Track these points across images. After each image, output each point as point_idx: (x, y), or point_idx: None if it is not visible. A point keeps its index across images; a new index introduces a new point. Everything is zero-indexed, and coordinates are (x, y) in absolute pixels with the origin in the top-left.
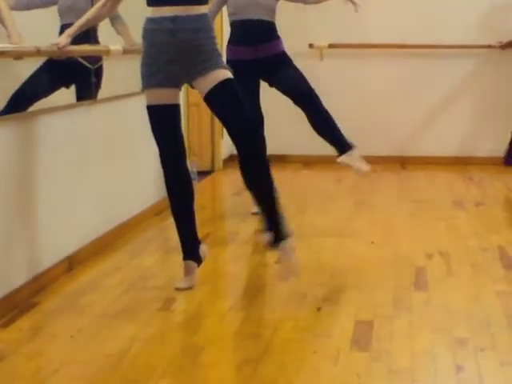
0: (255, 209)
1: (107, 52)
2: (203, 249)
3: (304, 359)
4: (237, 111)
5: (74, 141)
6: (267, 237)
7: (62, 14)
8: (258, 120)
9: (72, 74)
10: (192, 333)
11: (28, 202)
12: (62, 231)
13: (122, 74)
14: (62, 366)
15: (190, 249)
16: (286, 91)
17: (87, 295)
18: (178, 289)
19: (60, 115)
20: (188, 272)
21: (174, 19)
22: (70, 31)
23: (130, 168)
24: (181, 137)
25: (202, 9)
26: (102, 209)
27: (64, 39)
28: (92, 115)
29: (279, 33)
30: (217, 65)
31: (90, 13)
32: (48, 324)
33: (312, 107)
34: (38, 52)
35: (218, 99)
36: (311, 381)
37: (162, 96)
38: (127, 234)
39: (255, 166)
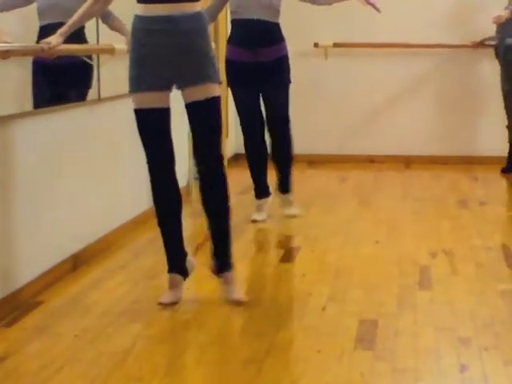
0: (254, 216)
1: (112, 51)
2: (191, 261)
3: (308, 358)
4: (208, 136)
5: (77, 140)
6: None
7: (41, 13)
8: (259, 122)
9: (66, 74)
10: (196, 331)
11: (32, 200)
12: (67, 230)
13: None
14: (67, 364)
15: (177, 261)
16: (266, 104)
17: (91, 294)
18: (160, 304)
19: (63, 115)
20: (173, 286)
21: (168, 19)
22: (62, 30)
23: (134, 167)
24: (170, 142)
25: (197, 6)
26: (106, 208)
27: (56, 39)
28: (96, 115)
29: (284, 33)
30: (210, 77)
31: (82, 11)
32: (52, 323)
33: (278, 134)
34: (42, 51)
35: (198, 114)
36: (315, 380)
37: (152, 100)
38: (131, 232)
39: (213, 194)
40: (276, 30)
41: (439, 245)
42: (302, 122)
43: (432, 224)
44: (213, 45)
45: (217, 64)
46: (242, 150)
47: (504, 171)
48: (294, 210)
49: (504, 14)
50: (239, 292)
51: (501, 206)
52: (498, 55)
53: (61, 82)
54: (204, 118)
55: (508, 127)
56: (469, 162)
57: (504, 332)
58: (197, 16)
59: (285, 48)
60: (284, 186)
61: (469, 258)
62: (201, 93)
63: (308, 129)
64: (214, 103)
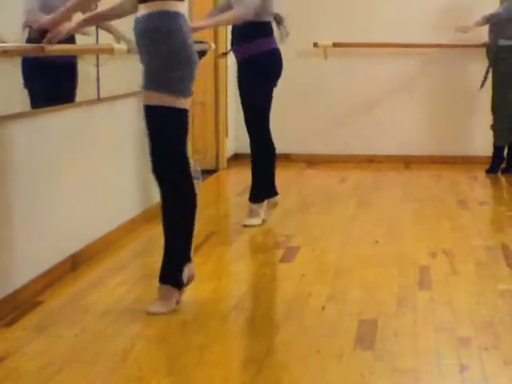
0: (245, 221)
1: (111, 51)
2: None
3: (308, 358)
4: (150, 141)
5: (76, 140)
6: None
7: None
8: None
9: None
10: (196, 331)
11: (31, 201)
12: (66, 230)
13: (123, 74)
14: (66, 364)
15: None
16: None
17: (91, 294)
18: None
19: (62, 115)
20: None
21: (136, 20)
22: (81, 22)
23: (133, 166)
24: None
25: (155, 6)
26: (106, 207)
27: (69, 25)
28: (95, 115)
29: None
30: (146, 84)
31: (113, 8)
32: (52, 323)
33: (253, 130)
34: (42, 50)
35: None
36: (315, 380)
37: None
38: (131, 232)
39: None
40: (253, 28)
41: (439, 245)
42: (302, 121)
43: (432, 224)
44: (212, 45)
45: (165, 73)
46: (242, 150)
47: (488, 172)
48: (255, 221)
49: (471, 25)
50: None
51: (501, 206)
52: (488, 55)
53: (53, 80)
54: (146, 123)
55: (492, 128)
56: (469, 162)
57: (504, 332)
58: (150, 17)
59: (262, 45)
60: (253, 193)
61: (469, 258)
62: (143, 98)
63: (307, 128)
64: (148, 112)
